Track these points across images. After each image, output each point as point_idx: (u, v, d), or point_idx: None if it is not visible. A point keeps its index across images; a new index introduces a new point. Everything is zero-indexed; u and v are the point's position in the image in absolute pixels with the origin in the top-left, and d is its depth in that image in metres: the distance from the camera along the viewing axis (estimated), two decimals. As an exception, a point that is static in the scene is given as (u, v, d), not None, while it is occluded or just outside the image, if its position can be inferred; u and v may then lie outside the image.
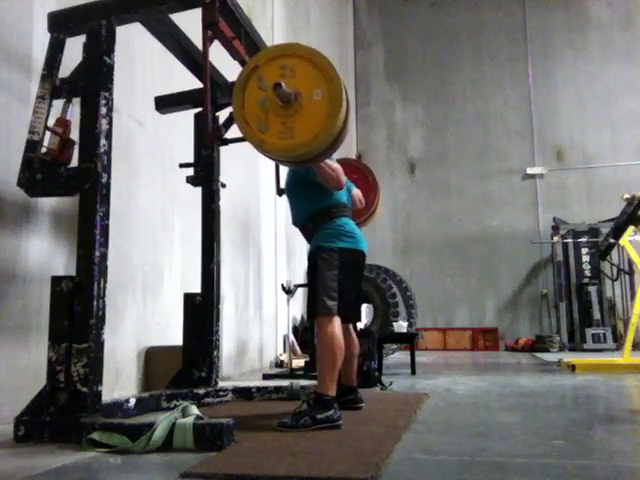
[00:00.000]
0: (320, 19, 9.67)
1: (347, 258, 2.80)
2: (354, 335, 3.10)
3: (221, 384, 3.59)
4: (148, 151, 4.13)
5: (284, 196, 3.18)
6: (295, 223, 3.05)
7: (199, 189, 3.64)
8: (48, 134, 2.56)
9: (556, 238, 9.84)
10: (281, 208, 6.72)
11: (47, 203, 3.08)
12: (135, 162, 3.97)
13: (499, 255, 10.94)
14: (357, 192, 3.29)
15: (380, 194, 3.67)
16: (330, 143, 2.39)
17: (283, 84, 2.26)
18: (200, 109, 3.56)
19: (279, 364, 6.33)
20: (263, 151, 2.40)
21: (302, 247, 7.37)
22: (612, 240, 5.73)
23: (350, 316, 3.00)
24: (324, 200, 2.86)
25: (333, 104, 2.31)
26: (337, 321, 2.69)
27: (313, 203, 2.88)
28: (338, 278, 2.74)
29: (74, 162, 2.55)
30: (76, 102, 2.61)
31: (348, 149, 11.40)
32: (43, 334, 2.46)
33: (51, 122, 2.61)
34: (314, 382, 3.07)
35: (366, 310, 6.91)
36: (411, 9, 12.12)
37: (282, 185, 3.19)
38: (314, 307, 2.73)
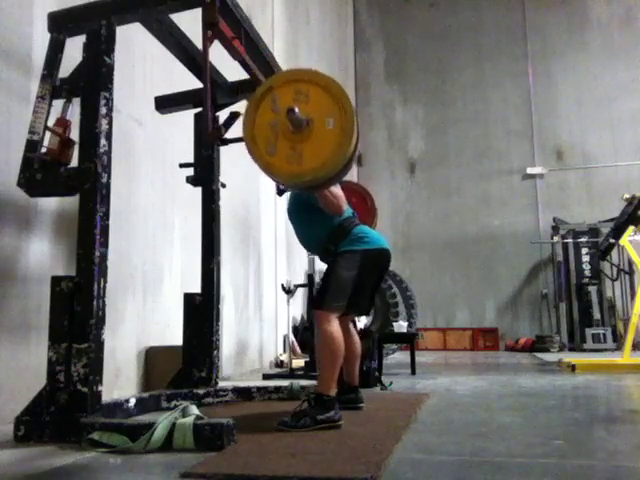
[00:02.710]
0: (320, 19, 9.67)
1: (369, 259, 2.82)
2: (355, 334, 3.10)
3: (221, 384, 3.59)
4: (148, 151, 4.13)
5: (284, 196, 3.18)
6: (310, 249, 3.05)
7: (199, 189, 3.64)
8: (48, 134, 2.56)
9: (556, 238, 9.84)
10: (281, 208, 6.72)
11: (47, 203, 3.08)
12: (135, 162, 3.97)
13: (499, 255, 10.93)
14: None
15: (377, 218, 3.71)
16: (337, 172, 2.40)
17: (297, 109, 2.26)
18: (200, 109, 3.56)
19: (279, 364, 6.33)
20: (270, 174, 2.39)
21: (302, 247, 7.36)
22: (612, 240, 5.73)
23: (360, 310, 3.04)
24: (334, 219, 2.86)
25: (344, 134, 2.32)
26: (336, 321, 2.69)
27: (325, 226, 2.86)
28: (356, 279, 2.75)
29: (74, 162, 2.55)
30: (76, 102, 2.61)
31: (348, 149, 11.40)
32: (43, 334, 2.46)
33: (51, 122, 2.60)
34: (314, 382, 3.07)
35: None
36: (411, 9, 12.11)
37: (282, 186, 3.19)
38: (321, 300, 2.72)
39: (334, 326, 2.66)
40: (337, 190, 2.76)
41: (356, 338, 3.09)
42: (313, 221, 2.91)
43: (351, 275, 2.75)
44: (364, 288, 2.86)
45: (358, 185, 4.06)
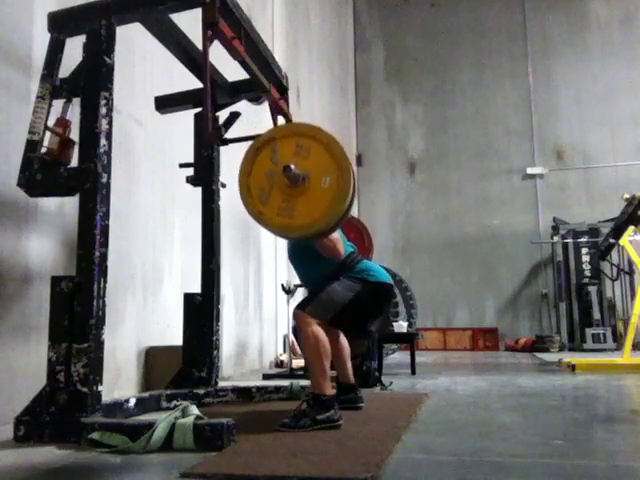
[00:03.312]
0: (320, 19, 9.67)
1: (370, 290, 2.80)
2: (339, 332, 3.04)
3: (221, 384, 3.59)
4: (148, 151, 4.13)
5: None
6: (313, 289, 3.01)
7: (199, 189, 3.64)
8: (48, 134, 2.56)
9: (556, 238, 9.84)
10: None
11: (47, 203, 3.08)
12: (135, 162, 3.97)
13: (499, 255, 10.93)
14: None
15: (373, 255, 3.73)
16: (325, 231, 2.43)
17: (293, 167, 2.29)
18: (200, 109, 3.56)
19: (279, 364, 6.33)
20: (259, 222, 2.41)
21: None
22: (612, 240, 5.73)
23: (347, 334, 3.02)
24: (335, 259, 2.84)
25: (338, 196, 2.33)
26: (316, 322, 2.66)
27: (327, 266, 2.82)
28: (350, 302, 2.72)
29: (74, 162, 2.55)
30: (76, 102, 2.61)
31: (348, 149, 11.41)
32: (43, 334, 2.46)
33: (51, 122, 2.60)
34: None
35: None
36: (411, 9, 12.11)
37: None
38: (305, 304, 2.71)
39: (314, 325, 2.62)
40: (334, 234, 2.70)
41: (341, 336, 3.05)
42: (314, 263, 2.87)
43: (346, 296, 2.72)
44: (357, 315, 2.82)
45: (357, 220, 4.05)
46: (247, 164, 2.43)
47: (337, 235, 2.76)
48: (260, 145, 2.43)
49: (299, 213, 2.34)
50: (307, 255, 2.87)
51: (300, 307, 2.71)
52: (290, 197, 2.35)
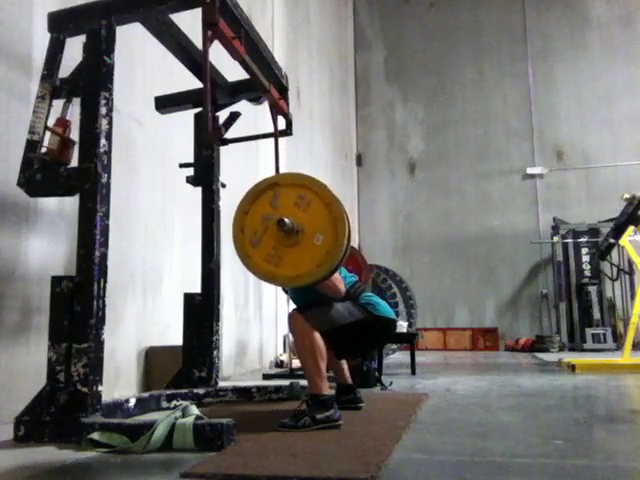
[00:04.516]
0: (320, 19, 9.67)
1: (372, 321, 2.78)
2: None
3: (221, 384, 3.59)
4: (148, 151, 4.13)
5: None
6: None
7: (199, 189, 3.64)
8: (48, 134, 2.56)
9: (556, 238, 9.84)
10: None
11: (47, 203, 3.08)
12: (135, 162, 3.97)
13: (499, 255, 10.93)
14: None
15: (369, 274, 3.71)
16: (309, 285, 2.45)
17: (287, 220, 2.31)
18: (200, 109, 3.56)
19: (279, 364, 6.33)
20: (245, 264, 2.43)
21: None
22: (612, 240, 5.73)
23: (335, 351, 2.89)
24: None
25: (328, 256, 2.34)
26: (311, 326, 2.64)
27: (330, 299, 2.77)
28: (350, 326, 2.70)
29: (74, 162, 2.55)
30: (76, 102, 2.61)
31: (348, 149, 11.40)
32: (43, 334, 2.46)
33: (51, 122, 2.60)
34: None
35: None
36: (411, 9, 12.11)
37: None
38: (304, 308, 2.70)
39: (307, 327, 2.61)
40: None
41: None
42: (319, 296, 2.78)
43: (347, 318, 2.70)
44: (353, 341, 2.81)
45: (357, 252, 4.02)
46: (246, 203, 2.46)
47: (337, 275, 2.72)
48: (263, 188, 2.46)
49: (285, 264, 2.37)
50: (309, 294, 2.78)
51: (299, 310, 2.71)
52: (281, 246, 2.37)
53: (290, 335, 5.95)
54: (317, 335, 2.61)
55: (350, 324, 2.72)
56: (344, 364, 3.08)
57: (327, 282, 2.63)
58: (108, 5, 2.60)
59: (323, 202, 2.39)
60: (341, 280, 2.78)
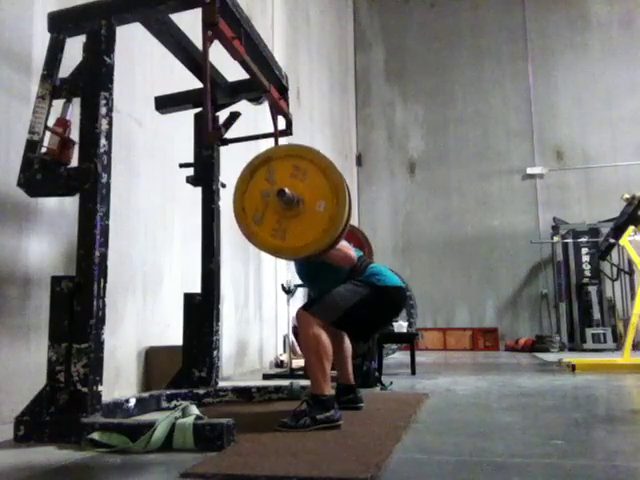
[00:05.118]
0: (320, 19, 9.67)
1: (381, 295, 2.77)
2: (344, 334, 3.04)
3: (221, 384, 3.59)
4: (148, 151, 4.13)
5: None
6: None
7: (199, 189, 3.64)
8: (48, 134, 2.56)
9: (556, 238, 9.84)
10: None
11: (47, 203, 3.08)
12: (135, 162, 3.97)
13: (499, 255, 10.93)
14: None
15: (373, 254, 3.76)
16: (316, 254, 2.43)
17: (287, 191, 2.29)
18: (200, 109, 3.56)
19: (279, 364, 6.33)
20: (252, 242, 2.43)
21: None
22: (612, 240, 5.73)
23: (351, 336, 3.00)
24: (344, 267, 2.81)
25: (332, 222, 2.33)
26: (319, 323, 2.64)
27: (339, 272, 2.79)
28: (357, 305, 2.69)
29: (74, 162, 2.55)
30: (76, 102, 2.61)
31: (348, 149, 11.41)
32: (43, 334, 2.46)
33: (51, 122, 2.60)
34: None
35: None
36: (411, 9, 12.11)
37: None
38: (309, 305, 2.71)
39: (315, 326, 2.60)
40: (342, 242, 2.66)
41: (345, 338, 3.05)
42: (325, 276, 2.83)
43: (351, 299, 2.70)
44: (365, 319, 2.81)
45: (356, 229, 4.02)
46: (243, 183, 2.44)
47: (344, 242, 2.72)
48: (257, 164, 2.44)
49: (291, 235, 2.36)
50: (318, 270, 2.83)
51: (304, 308, 2.71)
52: (284, 219, 2.36)
53: (290, 335, 5.98)
54: (324, 335, 2.61)
55: (357, 304, 2.70)
56: (349, 364, 3.08)
57: (336, 251, 2.63)
58: (108, 5, 2.60)
59: (319, 168, 2.38)
60: (349, 247, 2.78)
